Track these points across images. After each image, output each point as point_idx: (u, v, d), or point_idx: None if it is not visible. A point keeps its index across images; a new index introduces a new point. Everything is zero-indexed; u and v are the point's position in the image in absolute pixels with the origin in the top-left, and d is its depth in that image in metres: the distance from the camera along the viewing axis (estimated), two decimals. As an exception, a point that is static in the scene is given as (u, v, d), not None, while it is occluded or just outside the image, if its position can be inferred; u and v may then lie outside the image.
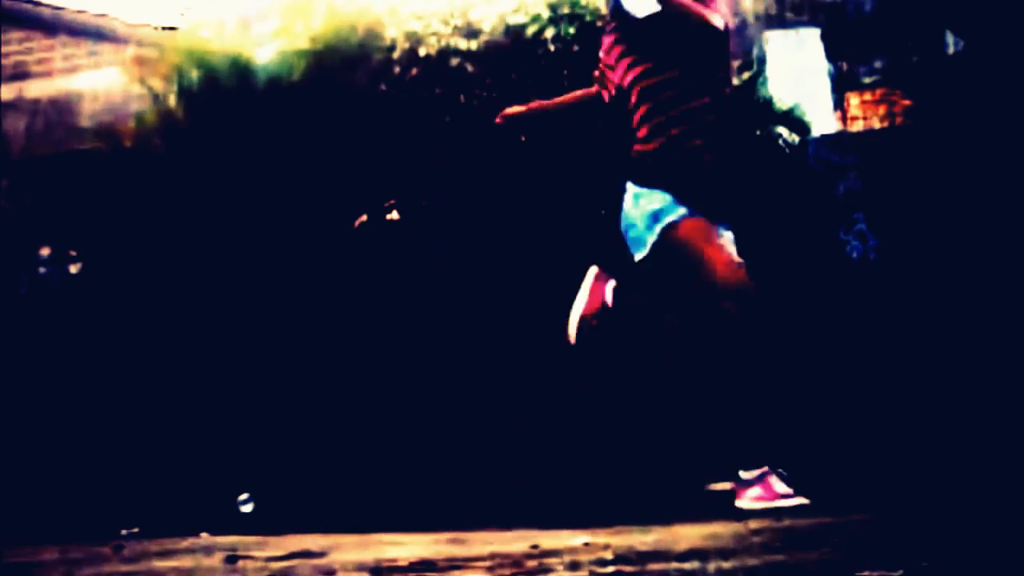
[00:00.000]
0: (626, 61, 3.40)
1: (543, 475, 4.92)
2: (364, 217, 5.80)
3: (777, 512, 2.96)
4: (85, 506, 5.33)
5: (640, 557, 1.77)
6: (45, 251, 7.20)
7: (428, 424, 5.26)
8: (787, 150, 6.30)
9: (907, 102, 7.79)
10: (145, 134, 6.21)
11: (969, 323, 5.16)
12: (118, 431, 5.72)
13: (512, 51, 5.65)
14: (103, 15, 9.55)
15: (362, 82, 5.87)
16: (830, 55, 8.95)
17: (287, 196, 5.65)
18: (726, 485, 4.46)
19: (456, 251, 5.51)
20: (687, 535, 2.19)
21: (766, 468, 3.15)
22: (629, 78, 3.38)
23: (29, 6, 9.50)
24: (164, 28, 8.37)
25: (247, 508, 5.23)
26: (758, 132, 6.31)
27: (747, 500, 3.14)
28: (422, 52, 5.74)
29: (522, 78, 5.61)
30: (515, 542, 2.13)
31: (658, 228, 3.20)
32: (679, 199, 3.19)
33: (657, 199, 3.22)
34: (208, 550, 2.19)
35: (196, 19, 6.58)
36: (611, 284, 3.53)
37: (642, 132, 3.33)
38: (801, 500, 3.08)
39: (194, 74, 6.15)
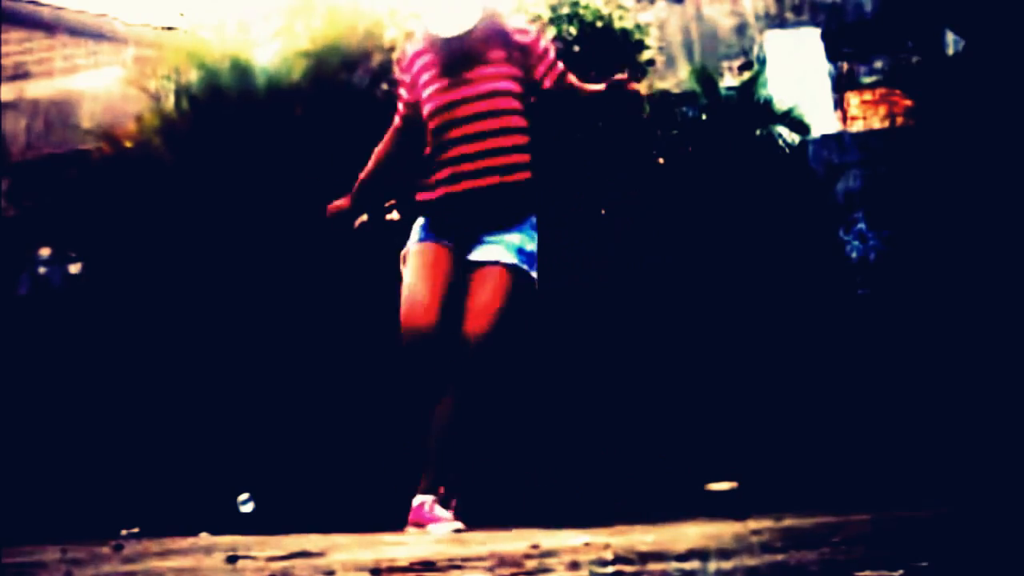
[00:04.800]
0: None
1: (543, 475, 4.92)
2: (364, 217, 5.79)
3: (777, 512, 2.96)
4: (85, 506, 5.33)
5: (640, 557, 1.77)
6: (45, 251, 7.19)
7: (428, 424, 5.25)
8: (787, 150, 6.31)
9: (907, 102, 7.79)
10: (145, 134, 6.21)
11: (969, 321, 5.16)
12: (118, 431, 5.72)
13: (512, 51, 5.63)
14: (103, 15, 9.54)
15: (362, 82, 5.87)
16: (830, 55, 8.94)
17: (287, 196, 5.64)
18: (726, 485, 4.46)
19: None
20: (687, 535, 2.19)
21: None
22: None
23: (29, 6, 9.50)
24: (164, 28, 8.35)
25: (247, 508, 5.23)
26: (758, 132, 6.32)
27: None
28: (422, 52, 5.73)
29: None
30: (515, 542, 2.13)
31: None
32: (426, 227, 3.35)
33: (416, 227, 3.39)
34: (208, 550, 2.19)
35: (196, 19, 6.58)
36: None
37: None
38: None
39: (194, 74, 6.15)
